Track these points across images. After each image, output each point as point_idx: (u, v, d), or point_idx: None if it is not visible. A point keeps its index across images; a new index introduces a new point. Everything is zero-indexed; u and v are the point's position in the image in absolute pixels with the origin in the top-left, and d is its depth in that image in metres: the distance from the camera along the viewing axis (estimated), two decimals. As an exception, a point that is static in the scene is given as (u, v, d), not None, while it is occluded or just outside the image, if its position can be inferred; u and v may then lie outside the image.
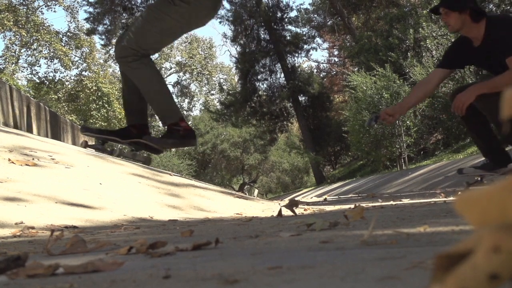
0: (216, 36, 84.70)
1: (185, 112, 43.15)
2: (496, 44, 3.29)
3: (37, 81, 32.60)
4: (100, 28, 25.12)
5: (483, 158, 3.79)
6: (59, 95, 31.60)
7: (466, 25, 3.36)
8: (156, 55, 41.77)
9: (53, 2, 32.56)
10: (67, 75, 35.12)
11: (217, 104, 33.49)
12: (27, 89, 30.59)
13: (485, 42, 3.35)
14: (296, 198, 5.17)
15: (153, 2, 3.25)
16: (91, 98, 30.51)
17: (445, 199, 2.97)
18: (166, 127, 3.10)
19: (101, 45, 28.73)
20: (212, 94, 42.63)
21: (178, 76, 42.74)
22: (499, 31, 3.28)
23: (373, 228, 1.18)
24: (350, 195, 7.60)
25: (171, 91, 3.19)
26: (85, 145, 4.34)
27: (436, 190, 4.65)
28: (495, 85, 3.24)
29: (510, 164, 3.56)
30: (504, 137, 3.62)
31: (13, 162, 2.71)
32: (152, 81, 3.07)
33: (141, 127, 3.24)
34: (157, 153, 3.34)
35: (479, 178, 3.89)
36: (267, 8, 23.45)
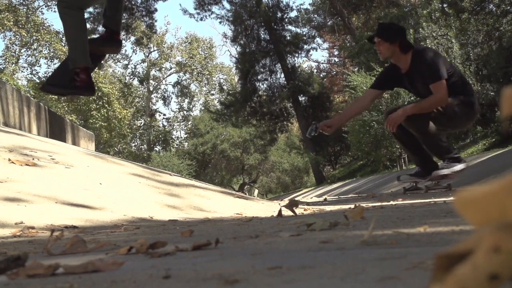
0: (216, 36, 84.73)
1: (185, 112, 43.19)
2: (420, 73, 3.83)
3: (37, 81, 32.60)
4: (100, 28, 25.12)
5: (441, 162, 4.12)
6: (59, 95, 31.56)
7: (395, 55, 3.90)
8: (156, 54, 41.80)
9: (53, 2, 32.55)
10: (67, 75, 35.03)
11: (217, 104, 33.49)
12: (27, 89, 30.59)
13: (411, 70, 3.89)
14: (296, 198, 5.16)
15: None
16: (91, 98, 30.50)
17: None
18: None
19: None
20: (212, 94, 42.64)
21: (178, 76, 42.76)
22: (423, 62, 3.80)
23: (373, 228, 1.18)
24: (350, 195, 7.60)
25: (87, 41, 3.41)
26: None
27: (436, 190, 4.65)
28: (421, 108, 3.76)
29: (435, 171, 4.00)
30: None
31: (13, 162, 2.71)
32: (72, 27, 3.32)
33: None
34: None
35: (414, 184, 4.38)
36: (267, 8, 23.45)
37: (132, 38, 31.20)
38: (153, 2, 24.74)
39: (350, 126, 15.65)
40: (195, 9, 25.26)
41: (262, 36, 23.93)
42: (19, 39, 32.26)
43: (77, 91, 3.35)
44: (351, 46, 21.68)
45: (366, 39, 4.81)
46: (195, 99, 43.90)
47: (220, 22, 41.64)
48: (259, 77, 24.20)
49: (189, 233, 1.49)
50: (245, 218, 2.41)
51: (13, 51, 32.75)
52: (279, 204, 4.09)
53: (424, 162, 4.11)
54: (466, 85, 4.01)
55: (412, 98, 10.83)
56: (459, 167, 3.94)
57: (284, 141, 33.88)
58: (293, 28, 25.43)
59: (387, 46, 3.88)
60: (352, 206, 2.67)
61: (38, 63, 33.62)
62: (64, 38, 32.90)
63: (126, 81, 39.57)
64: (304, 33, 26.33)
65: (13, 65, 32.50)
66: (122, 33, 27.00)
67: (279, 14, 24.04)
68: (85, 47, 3.32)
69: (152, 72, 41.98)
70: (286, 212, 2.67)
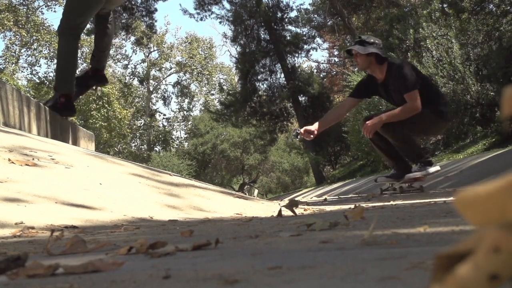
0: (216, 36, 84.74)
1: (185, 112, 43.19)
2: (394, 83, 4.14)
3: (37, 81, 32.60)
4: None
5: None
6: (59, 95, 31.57)
7: (372, 66, 4.24)
8: (156, 54, 41.81)
9: (53, 2, 32.58)
10: (67, 75, 35.11)
11: (217, 104, 33.48)
12: (27, 89, 30.60)
13: (386, 81, 4.23)
14: (296, 198, 5.16)
15: None
16: (91, 98, 30.52)
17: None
18: None
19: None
20: (212, 94, 42.65)
21: (178, 76, 42.76)
22: (397, 73, 4.11)
23: (373, 228, 1.18)
24: (350, 195, 7.60)
25: (73, 72, 3.92)
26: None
27: (436, 190, 4.66)
28: (395, 116, 4.07)
29: (408, 174, 4.33)
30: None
31: (13, 162, 2.71)
32: (63, 56, 3.81)
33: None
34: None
35: (390, 185, 4.65)
36: (267, 8, 23.44)
37: (132, 38, 31.21)
38: (153, 2, 24.74)
39: (350, 126, 15.64)
40: (195, 9, 25.26)
41: (262, 36, 23.92)
42: (19, 39, 32.27)
43: (59, 112, 3.91)
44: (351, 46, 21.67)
45: (345, 51, 5.07)
46: (195, 99, 43.92)
47: (220, 22, 41.61)
48: (259, 77, 24.19)
49: (189, 233, 1.49)
50: (245, 218, 2.41)
51: (13, 51, 32.77)
52: (279, 204, 4.09)
53: (399, 165, 4.43)
54: (438, 95, 4.33)
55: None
56: (430, 170, 4.28)
57: (284, 141, 33.86)
58: (293, 28, 25.44)
59: (364, 58, 4.21)
60: (352, 206, 2.67)
61: (38, 63, 33.70)
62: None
63: (126, 81, 39.58)
64: (304, 33, 26.33)
65: (13, 65, 32.51)
66: (122, 33, 27.04)
67: (279, 14, 24.03)
68: (69, 78, 3.81)
69: (152, 72, 41.99)
70: (286, 212, 2.67)
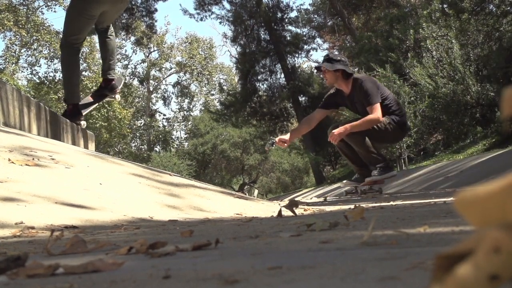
0: (216, 36, 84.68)
1: (185, 112, 43.19)
2: (359, 97, 4.62)
3: (37, 81, 32.60)
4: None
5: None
6: (59, 95, 31.60)
7: (339, 81, 4.70)
8: (156, 54, 41.82)
9: (53, 2, 32.58)
10: (67, 75, 35.11)
11: (217, 104, 33.48)
12: (27, 89, 30.60)
13: (351, 94, 4.71)
14: (296, 199, 5.16)
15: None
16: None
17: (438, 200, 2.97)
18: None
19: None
20: (212, 95, 42.64)
21: (178, 76, 42.76)
22: (362, 88, 4.58)
23: (373, 229, 1.18)
24: (350, 196, 7.59)
25: (77, 83, 4.41)
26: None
27: (436, 190, 4.67)
28: (359, 126, 4.53)
29: (368, 177, 4.72)
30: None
31: (13, 162, 2.71)
32: (66, 68, 4.26)
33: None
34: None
35: (354, 188, 5.02)
36: (267, 9, 23.44)
37: (132, 38, 31.21)
38: (153, 2, 24.75)
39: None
40: (195, 9, 25.26)
41: (262, 36, 23.91)
42: (19, 39, 32.27)
43: (68, 118, 4.39)
44: (351, 47, 21.67)
45: (315, 68, 5.52)
46: (195, 99, 43.92)
47: (220, 22, 41.58)
48: (259, 77, 24.19)
49: (189, 233, 1.49)
50: (245, 218, 2.41)
51: (13, 51, 32.77)
52: (279, 204, 4.09)
53: (361, 170, 4.84)
54: (398, 107, 4.79)
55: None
56: (388, 174, 4.71)
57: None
58: (293, 29, 25.44)
59: (332, 74, 4.66)
60: (352, 206, 2.67)
61: (38, 63, 33.65)
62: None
63: (126, 81, 39.57)
64: (304, 33, 26.33)
65: (13, 65, 32.52)
66: (123, 33, 27.04)
67: (279, 14, 24.03)
68: (74, 90, 4.26)
69: (152, 72, 41.99)
70: (286, 213, 2.67)
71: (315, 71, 5.56)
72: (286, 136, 4.91)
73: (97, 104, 4.65)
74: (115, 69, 4.53)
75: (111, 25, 4.58)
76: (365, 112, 4.57)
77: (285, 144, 4.89)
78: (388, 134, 4.62)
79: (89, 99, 4.90)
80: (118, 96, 4.91)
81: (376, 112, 4.48)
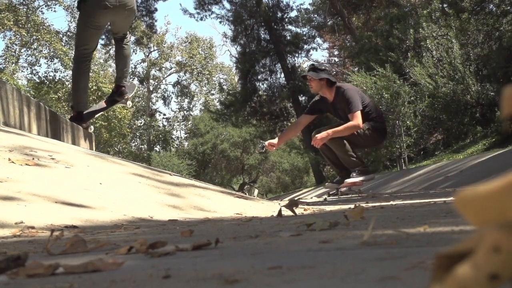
0: (216, 36, 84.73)
1: (185, 112, 43.20)
2: (341, 104, 4.92)
3: (37, 80, 32.59)
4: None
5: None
6: (59, 94, 31.60)
7: (323, 89, 5.00)
8: (156, 54, 41.79)
9: (53, 1, 32.57)
10: (67, 75, 35.11)
11: (217, 104, 33.47)
12: (27, 88, 30.58)
13: (334, 101, 5.01)
14: (296, 198, 5.17)
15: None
16: (91, 98, 30.49)
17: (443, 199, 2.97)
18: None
19: (101, 44, 28.75)
20: (212, 94, 42.61)
21: (178, 76, 42.74)
22: (344, 96, 4.89)
23: (373, 228, 1.18)
24: (350, 195, 7.59)
25: (85, 92, 4.67)
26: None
27: (436, 190, 4.67)
28: (340, 131, 4.84)
29: (347, 180, 5.01)
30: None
31: (13, 162, 2.71)
32: (75, 81, 4.56)
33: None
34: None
35: (336, 190, 5.31)
36: (267, 8, 23.43)
37: (132, 38, 31.20)
38: (153, 1, 24.75)
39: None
40: (195, 9, 25.27)
41: (262, 36, 23.90)
42: (19, 38, 32.25)
43: (73, 122, 4.69)
44: (351, 46, 21.67)
45: (301, 77, 6.19)
46: (195, 99, 43.89)
47: (220, 22, 41.62)
48: (259, 77, 24.18)
49: (189, 233, 1.49)
50: (245, 218, 2.41)
51: (13, 50, 32.75)
52: (279, 204, 4.09)
53: (341, 172, 5.12)
54: (378, 114, 5.14)
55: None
56: (366, 177, 5.02)
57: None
58: (293, 28, 25.42)
59: (317, 82, 4.97)
60: (352, 206, 2.67)
61: (38, 63, 33.60)
62: (64, 38, 33.07)
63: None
64: (304, 33, 26.32)
65: (13, 64, 32.50)
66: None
67: (279, 14, 24.01)
68: (80, 97, 4.52)
69: (152, 72, 41.97)
70: (286, 212, 2.67)
71: (301, 79, 6.42)
72: (275, 140, 5.27)
73: (107, 109, 4.87)
74: (128, 77, 4.79)
75: (128, 34, 4.80)
76: (347, 118, 4.89)
77: (274, 148, 5.27)
78: (367, 139, 4.95)
79: (102, 104, 5.17)
80: (129, 103, 5.11)
81: (357, 119, 4.81)
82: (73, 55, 4.66)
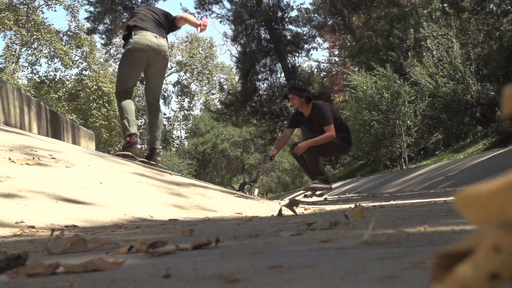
0: (216, 35, 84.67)
1: (185, 112, 43.21)
2: (317, 118, 5.77)
3: (38, 80, 32.59)
4: (101, 27, 25.09)
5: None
6: (60, 94, 31.60)
7: (303, 105, 5.86)
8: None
9: (54, 1, 32.57)
10: (67, 74, 35.19)
11: (218, 103, 33.42)
12: (28, 88, 30.57)
13: (310, 116, 5.85)
14: (297, 198, 5.17)
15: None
16: (91, 97, 30.51)
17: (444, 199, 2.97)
18: None
19: (102, 44, 28.72)
20: (213, 94, 42.58)
21: (179, 75, 42.72)
22: (319, 111, 5.77)
23: (373, 228, 1.19)
24: (350, 195, 7.60)
25: (134, 120, 5.06)
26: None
27: (436, 189, 4.66)
28: (318, 142, 5.67)
29: (311, 184, 5.92)
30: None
31: (13, 161, 2.71)
32: (120, 109, 4.98)
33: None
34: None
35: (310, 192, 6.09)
36: (268, 8, 23.41)
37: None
38: (153, 1, 24.74)
39: (350, 126, 15.64)
40: (196, 8, 25.24)
41: (263, 36, 23.88)
42: (20, 38, 32.25)
43: (126, 149, 4.95)
44: (351, 46, 21.67)
45: (283, 96, 6.85)
46: (195, 98, 43.87)
47: (220, 22, 41.58)
48: (259, 77, 24.16)
49: (189, 233, 1.49)
50: (245, 218, 2.41)
51: (14, 50, 32.74)
52: (279, 203, 4.09)
53: (310, 177, 6.00)
54: (344, 125, 6.06)
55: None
56: (325, 185, 5.91)
57: (284, 140, 33.77)
58: (293, 28, 25.37)
59: (298, 99, 5.80)
60: (352, 205, 2.67)
61: (39, 62, 33.60)
62: (64, 38, 33.11)
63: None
64: (305, 32, 26.27)
65: (14, 64, 32.50)
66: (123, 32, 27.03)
67: (279, 14, 23.99)
68: (125, 126, 4.94)
69: (153, 72, 41.91)
70: (286, 212, 2.67)
71: (284, 99, 7.86)
72: (274, 152, 6.30)
73: (136, 160, 5.04)
74: (160, 140, 5.27)
75: (159, 100, 5.43)
76: (321, 130, 5.77)
77: (273, 158, 6.29)
78: (335, 146, 5.86)
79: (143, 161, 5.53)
80: (161, 164, 5.47)
81: (332, 131, 5.70)
82: (115, 93, 5.17)
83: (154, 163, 5.06)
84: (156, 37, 5.00)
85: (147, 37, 4.96)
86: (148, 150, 5.27)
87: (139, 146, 5.04)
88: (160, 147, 5.41)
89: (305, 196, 6.18)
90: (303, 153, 5.82)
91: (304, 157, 5.88)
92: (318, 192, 6.03)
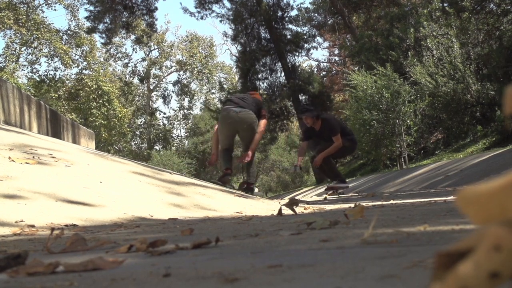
0: (216, 35, 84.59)
1: (185, 111, 43.26)
2: (326, 131, 6.85)
3: (38, 79, 32.59)
4: (101, 26, 25.08)
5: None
6: (60, 93, 31.61)
7: (315, 122, 6.91)
8: (157, 53, 41.84)
9: (54, 0, 32.55)
10: (67, 74, 35.10)
11: (218, 102, 33.46)
12: (28, 87, 30.59)
13: (321, 129, 6.93)
14: (296, 197, 5.17)
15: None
16: (91, 97, 30.52)
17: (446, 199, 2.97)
18: None
19: (102, 43, 28.74)
20: (213, 93, 42.59)
21: (179, 74, 42.71)
22: (328, 125, 6.86)
23: (373, 227, 1.18)
24: (350, 194, 7.60)
25: (231, 158, 6.45)
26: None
27: (436, 189, 4.66)
28: (329, 152, 6.83)
29: (330, 185, 7.21)
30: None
31: (13, 160, 2.71)
32: (221, 159, 6.37)
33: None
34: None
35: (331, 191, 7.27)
36: (268, 7, 23.41)
37: (133, 37, 31.18)
38: (153, 0, 24.74)
39: (350, 126, 15.63)
40: (196, 7, 25.22)
41: (263, 35, 23.88)
42: (20, 37, 32.24)
43: (221, 179, 6.15)
44: (351, 45, 21.67)
45: (298, 118, 8.46)
46: (195, 97, 43.88)
47: (220, 21, 41.64)
48: (259, 76, 24.16)
49: (189, 232, 1.49)
50: (245, 217, 2.41)
51: (14, 49, 32.74)
52: (279, 203, 4.09)
53: (330, 179, 7.18)
54: (347, 129, 7.26)
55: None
56: (343, 185, 7.11)
57: (284, 140, 33.84)
58: (293, 27, 25.37)
59: (311, 119, 6.88)
60: (352, 205, 2.67)
61: (39, 62, 33.58)
62: (64, 37, 33.12)
63: (126, 80, 39.53)
64: (305, 32, 26.28)
65: (14, 63, 32.49)
66: (123, 32, 27.08)
67: (279, 13, 23.98)
68: (223, 161, 6.30)
69: (153, 71, 41.97)
70: (286, 211, 2.67)
71: (299, 118, 8.67)
72: (299, 161, 7.48)
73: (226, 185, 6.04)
74: (254, 179, 6.67)
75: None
76: (330, 140, 6.87)
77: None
78: (346, 150, 7.17)
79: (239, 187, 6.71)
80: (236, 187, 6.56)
81: (339, 140, 6.81)
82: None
83: (235, 188, 6.19)
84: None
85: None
86: (246, 183, 6.58)
87: (256, 189, 6.23)
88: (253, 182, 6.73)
89: (329, 194, 7.18)
90: (322, 163, 7.03)
91: (322, 165, 7.07)
92: (339, 191, 7.12)
